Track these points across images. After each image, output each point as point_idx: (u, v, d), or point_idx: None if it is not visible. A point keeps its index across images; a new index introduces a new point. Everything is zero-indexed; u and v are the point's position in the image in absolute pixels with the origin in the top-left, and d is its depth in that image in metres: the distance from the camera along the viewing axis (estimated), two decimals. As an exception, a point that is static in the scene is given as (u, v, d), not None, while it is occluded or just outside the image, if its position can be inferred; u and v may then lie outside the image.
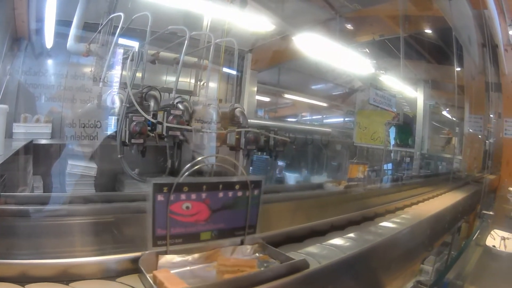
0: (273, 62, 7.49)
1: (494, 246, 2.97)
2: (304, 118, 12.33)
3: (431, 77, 9.36)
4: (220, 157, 2.03)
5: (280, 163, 9.26)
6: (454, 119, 10.89)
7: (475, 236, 3.24)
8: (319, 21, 6.44)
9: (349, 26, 6.63)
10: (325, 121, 11.98)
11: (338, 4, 6.24)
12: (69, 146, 3.55)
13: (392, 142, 7.80)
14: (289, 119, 11.52)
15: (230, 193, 1.78)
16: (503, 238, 3.04)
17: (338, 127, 10.34)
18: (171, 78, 3.95)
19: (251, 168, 7.38)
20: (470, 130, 8.56)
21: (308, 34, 5.24)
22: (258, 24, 4.90)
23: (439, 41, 8.25)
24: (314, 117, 12.31)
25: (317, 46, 5.33)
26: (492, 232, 3.17)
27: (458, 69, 8.13)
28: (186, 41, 3.74)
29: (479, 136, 8.89)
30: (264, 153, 4.82)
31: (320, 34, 5.26)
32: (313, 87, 10.18)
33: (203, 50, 4.47)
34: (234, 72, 6.06)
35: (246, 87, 6.75)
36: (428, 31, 7.60)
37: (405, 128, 8.91)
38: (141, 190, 3.79)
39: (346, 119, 10.57)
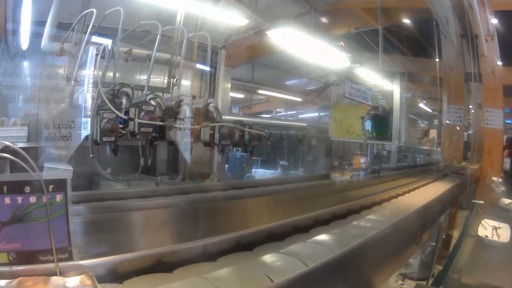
0: (247, 58, 7.69)
1: (486, 236, 2.98)
2: (279, 114, 12.62)
3: (407, 70, 9.68)
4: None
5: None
6: (432, 111, 11.27)
7: (468, 226, 3.29)
8: (293, 15, 6.66)
9: (324, 20, 6.84)
10: (300, 116, 12.31)
11: (312, -2, 6.48)
12: (45, 149, 3.59)
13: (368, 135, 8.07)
14: (264, 115, 11.75)
15: (20, 199, 1.32)
16: (495, 228, 3.07)
17: (314, 121, 10.60)
18: (145, 76, 4.07)
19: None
20: (448, 121, 8.84)
21: (282, 28, 5.39)
22: (232, 19, 5.01)
23: (416, 33, 8.57)
24: (289, 112, 12.62)
25: (291, 41, 5.47)
26: (482, 222, 3.18)
27: (437, 60, 8.44)
28: (158, 36, 3.85)
29: (457, 128, 9.14)
30: (240, 149, 4.90)
31: (295, 28, 5.39)
32: (288, 82, 10.51)
33: (176, 46, 4.60)
34: (207, 69, 6.18)
35: (220, 84, 6.92)
36: (407, 20, 7.84)
37: (382, 121, 9.15)
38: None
39: (321, 113, 10.83)
